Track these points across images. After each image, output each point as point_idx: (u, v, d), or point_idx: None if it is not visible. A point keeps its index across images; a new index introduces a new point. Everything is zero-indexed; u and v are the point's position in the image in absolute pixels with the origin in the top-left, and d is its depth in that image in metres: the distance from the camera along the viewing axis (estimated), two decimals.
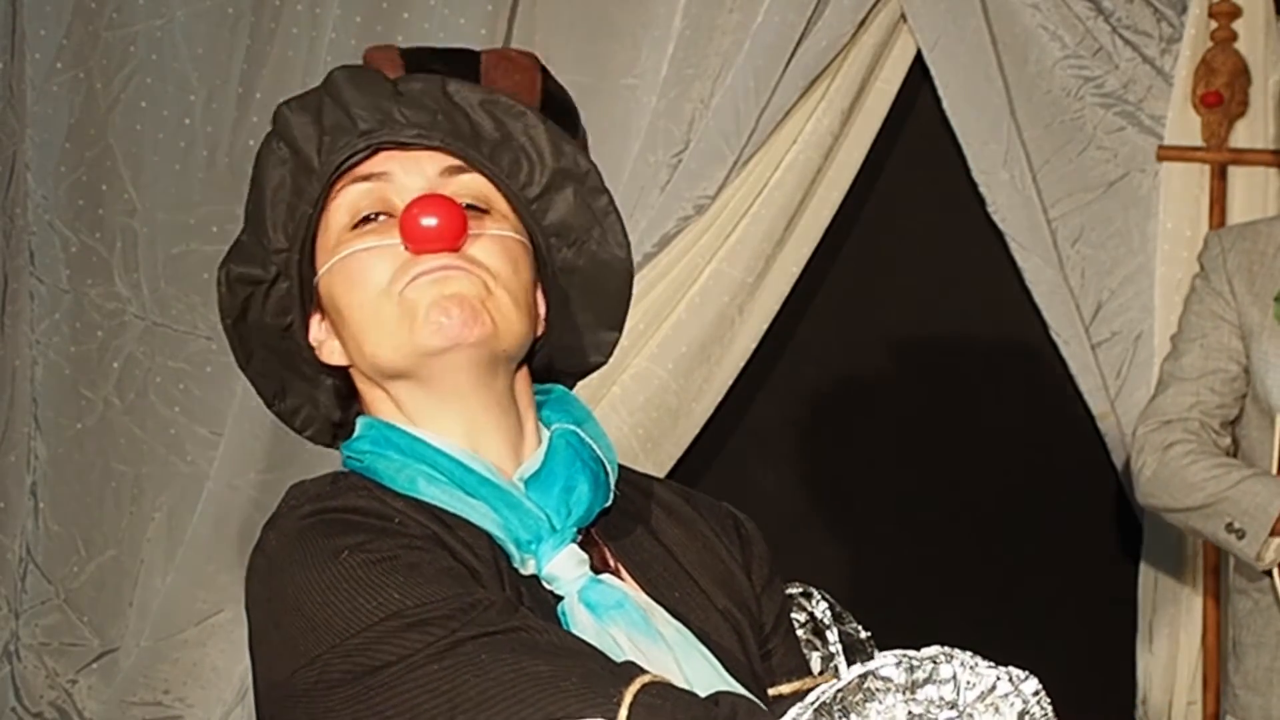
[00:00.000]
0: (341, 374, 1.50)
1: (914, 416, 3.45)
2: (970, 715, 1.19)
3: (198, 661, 3.37)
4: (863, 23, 3.20)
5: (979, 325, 3.42)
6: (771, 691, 1.47)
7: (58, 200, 3.33)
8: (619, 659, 1.29)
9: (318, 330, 1.48)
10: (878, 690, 1.16)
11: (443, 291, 1.38)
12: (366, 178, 1.42)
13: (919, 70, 3.28)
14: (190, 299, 3.31)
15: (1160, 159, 3.24)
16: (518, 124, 1.46)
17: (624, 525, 1.49)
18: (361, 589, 1.26)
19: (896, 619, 3.43)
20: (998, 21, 3.21)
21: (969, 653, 1.21)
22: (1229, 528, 2.61)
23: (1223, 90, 3.18)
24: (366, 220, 1.42)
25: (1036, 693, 1.21)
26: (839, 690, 1.14)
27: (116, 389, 3.37)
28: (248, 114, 3.30)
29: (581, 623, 1.35)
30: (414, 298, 1.38)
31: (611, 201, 1.51)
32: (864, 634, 1.65)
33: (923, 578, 3.43)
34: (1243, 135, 3.24)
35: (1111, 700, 3.36)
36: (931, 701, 1.17)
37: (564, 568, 1.38)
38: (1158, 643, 3.29)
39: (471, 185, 1.45)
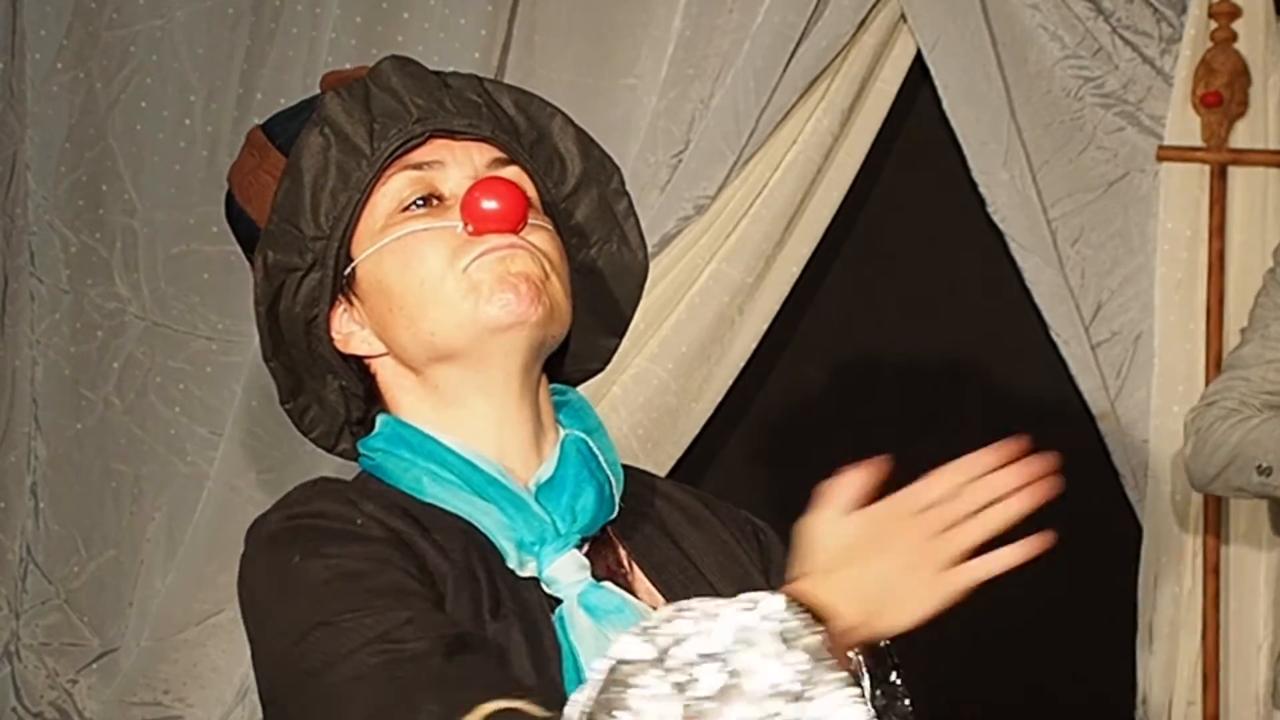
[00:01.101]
0: (356, 374, 1.49)
1: (914, 416, 3.45)
2: (733, 657, 1.12)
3: (198, 661, 3.37)
4: (863, 23, 3.20)
5: (979, 325, 3.42)
6: None
7: (58, 200, 3.33)
8: None
9: (341, 322, 1.47)
10: (630, 675, 1.11)
11: (509, 269, 1.39)
12: (418, 165, 1.43)
13: (919, 70, 3.28)
14: (190, 299, 3.31)
15: (1160, 159, 3.24)
16: (551, 124, 1.49)
17: (640, 527, 1.50)
18: (306, 601, 1.29)
19: None
20: (998, 21, 3.21)
21: (702, 600, 1.15)
22: (1259, 470, 2.63)
23: (1223, 90, 3.18)
24: (413, 206, 1.43)
25: (787, 605, 1.15)
26: (596, 693, 1.10)
27: (116, 389, 3.37)
28: (248, 114, 3.29)
29: (580, 626, 1.36)
30: (479, 275, 1.39)
31: (631, 205, 1.53)
32: (883, 643, 1.64)
33: None
34: (1243, 135, 3.24)
35: (1111, 700, 3.36)
36: (689, 664, 1.11)
37: (565, 571, 1.39)
38: (1158, 643, 3.29)
39: (518, 178, 1.46)
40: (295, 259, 1.44)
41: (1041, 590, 3.41)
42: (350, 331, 1.47)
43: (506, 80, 3.22)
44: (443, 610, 1.30)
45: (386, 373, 1.47)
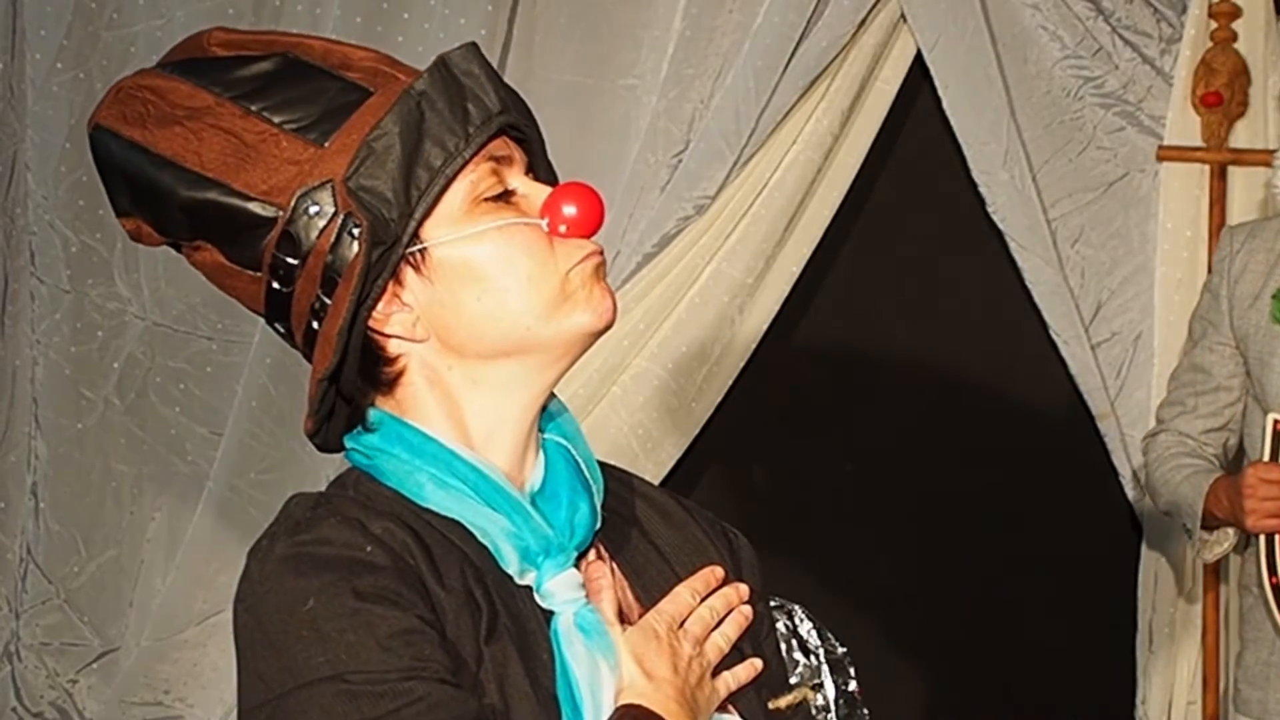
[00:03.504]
0: (370, 359, 1.45)
1: (914, 417, 3.45)
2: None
3: (198, 661, 3.37)
4: (863, 23, 3.20)
5: (979, 325, 3.42)
6: (771, 705, 1.51)
7: (58, 200, 3.34)
8: (603, 688, 1.36)
9: (382, 301, 1.42)
10: None
11: (600, 278, 1.44)
12: (497, 158, 1.44)
13: (919, 70, 3.28)
14: (190, 299, 3.31)
15: (1160, 159, 3.24)
16: (535, 132, 1.49)
17: (620, 527, 1.51)
18: (316, 643, 1.30)
19: (896, 618, 3.45)
20: (998, 21, 3.21)
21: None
22: (1185, 529, 2.70)
23: (1223, 90, 3.18)
24: (492, 199, 1.43)
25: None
26: None
27: (117, 389, 3.38)
28: None
29: (575, 644, 1.38)
30: (578, 280, 1.42)
31: None
32: (840, 650, 1.66)
33: (922, 577, 3.43)
34: (1243, 135, 3.24)
35: (1111, 700, 3.36)
36: None
37: (562, 587, 1.40)
38: (1158, 643, 3.29)
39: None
40: (381, 234, 1.40)
41: (1042, 590, 3.42)
42: (392, 312, 1.42)
43: (506, 80, 3.22)
44: (447, 646, 1.33)
45: (414, 361, 1.43)
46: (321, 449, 1.51)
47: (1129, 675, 3.33)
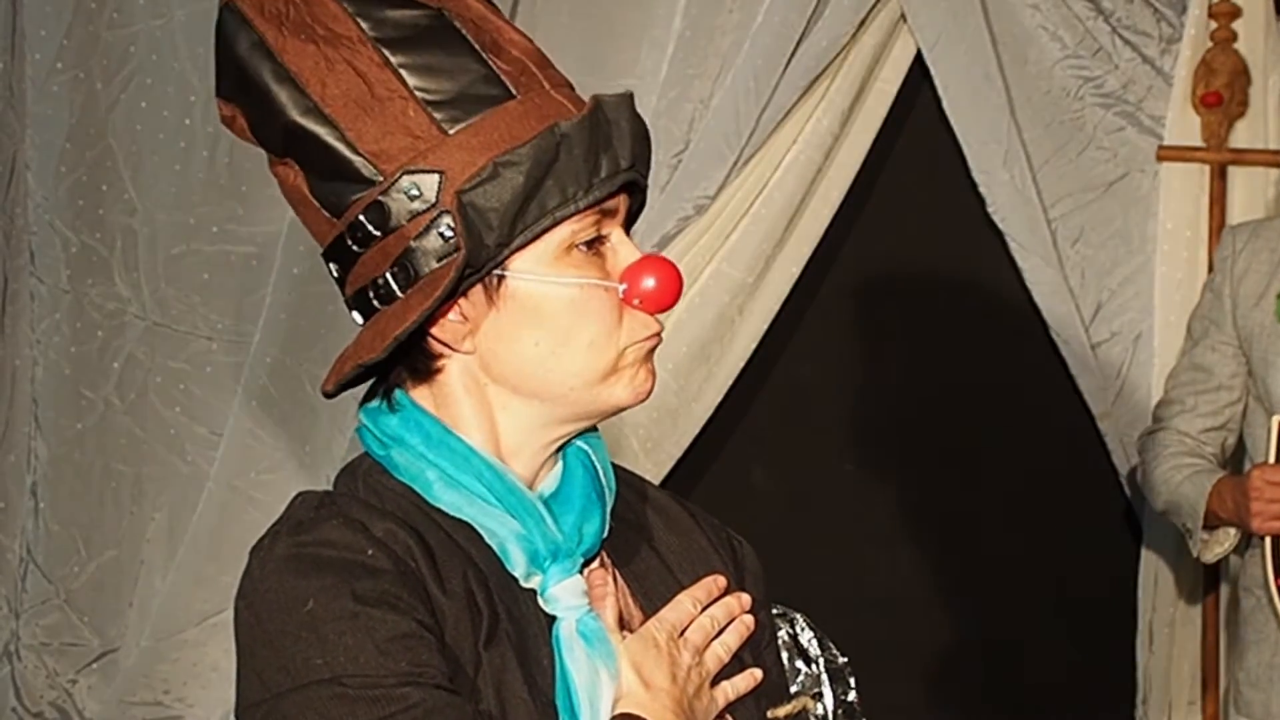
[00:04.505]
0: (415, 353, 1.44)
1: (913, 416, 3.45)
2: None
3: (198, 661, 3.37)
4: (863, 23, 3.21)
5: (979, 325, 3.42)
6: (770, 714, 1.52)
7: (58, 200, 3.34)
8: (602, 696, 1.37)
9: (451, 314, 1.42)
10: None
11: (649, 359, 1.46)
12: (605, 211, 1.43)
13: (919, 70, 3.28)
14: (190, 299, 3.31)
15: (1160, 159, 3.25)
16: (645, 182, 1.49)
17: (626, 535, 1.52)
18: (314, 645, 1.31)
19: (896, 619, 3.45)
20: (998, 21, 3.21)
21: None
22: (1184, 529, 2.71)
23: (1223, 90, 3.18)
24: (582, 245, 1.42)
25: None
26: None
27: (116, 389, 3.37)
28: None
29: (576, 651, 1.38)
30: (631, 358, 1.44)
31: None
32: (841, 660, 1.67)
33: (922, 578, 3.43)
34: (1243, 135, 3.24)
35: (1111, 700, 3.36)
36: None
37: (567, 593, 1.41)
38: (1158, 643, 3.29)
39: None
40: (474, 259, 1.37)
41: (1042, 590, 3.42)
42: (448, 320, 1.41)
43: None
44: (445, 651, 1.34)
45: (455, 365, 1.43)
46: (329, 396, 1.49)
47: (1129, 675, 3.33)
